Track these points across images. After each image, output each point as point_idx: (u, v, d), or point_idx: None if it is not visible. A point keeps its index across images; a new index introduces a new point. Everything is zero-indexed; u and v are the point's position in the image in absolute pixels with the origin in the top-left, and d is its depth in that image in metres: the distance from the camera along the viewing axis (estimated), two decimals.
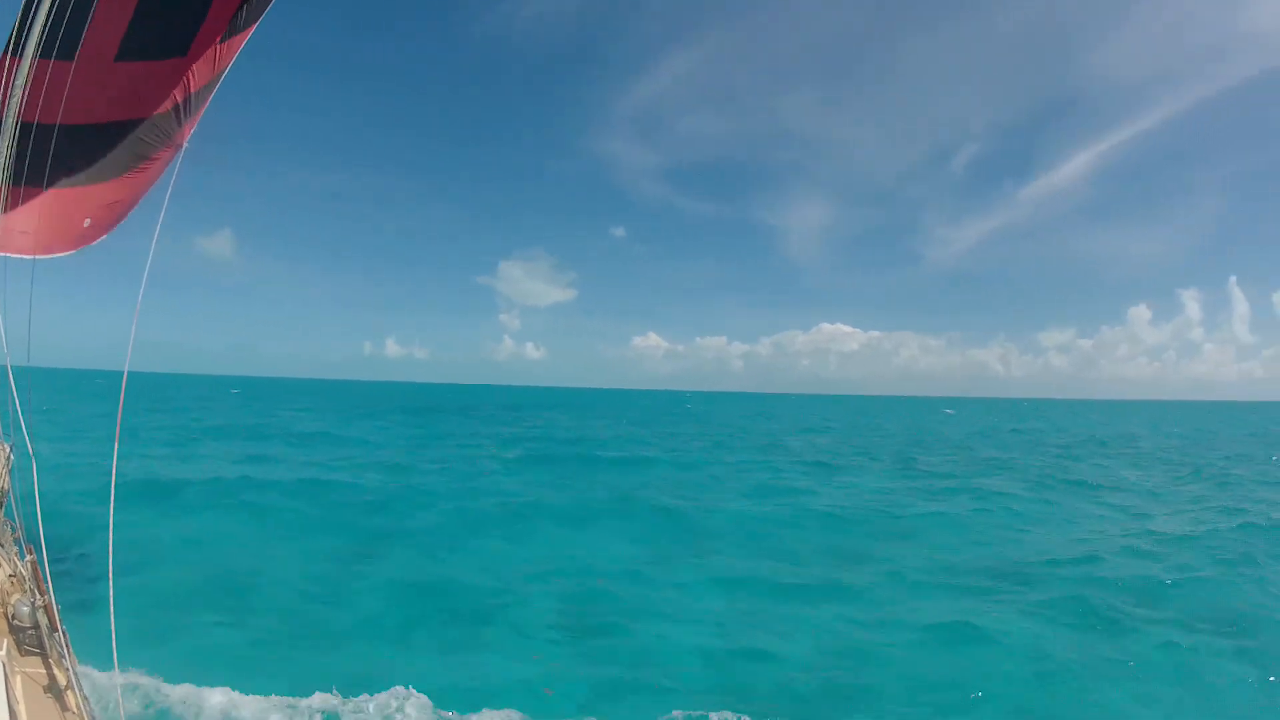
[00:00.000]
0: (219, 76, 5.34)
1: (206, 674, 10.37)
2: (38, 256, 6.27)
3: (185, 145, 5.60)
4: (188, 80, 5.26)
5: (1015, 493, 31.47)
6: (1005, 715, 10.32)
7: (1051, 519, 25.57)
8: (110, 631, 4.81)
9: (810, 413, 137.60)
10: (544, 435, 59.27)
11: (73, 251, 6.46)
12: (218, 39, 5.11)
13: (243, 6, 5.00)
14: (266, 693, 9.92)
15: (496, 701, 10.09)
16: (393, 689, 10.09)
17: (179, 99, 5.34)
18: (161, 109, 5.38)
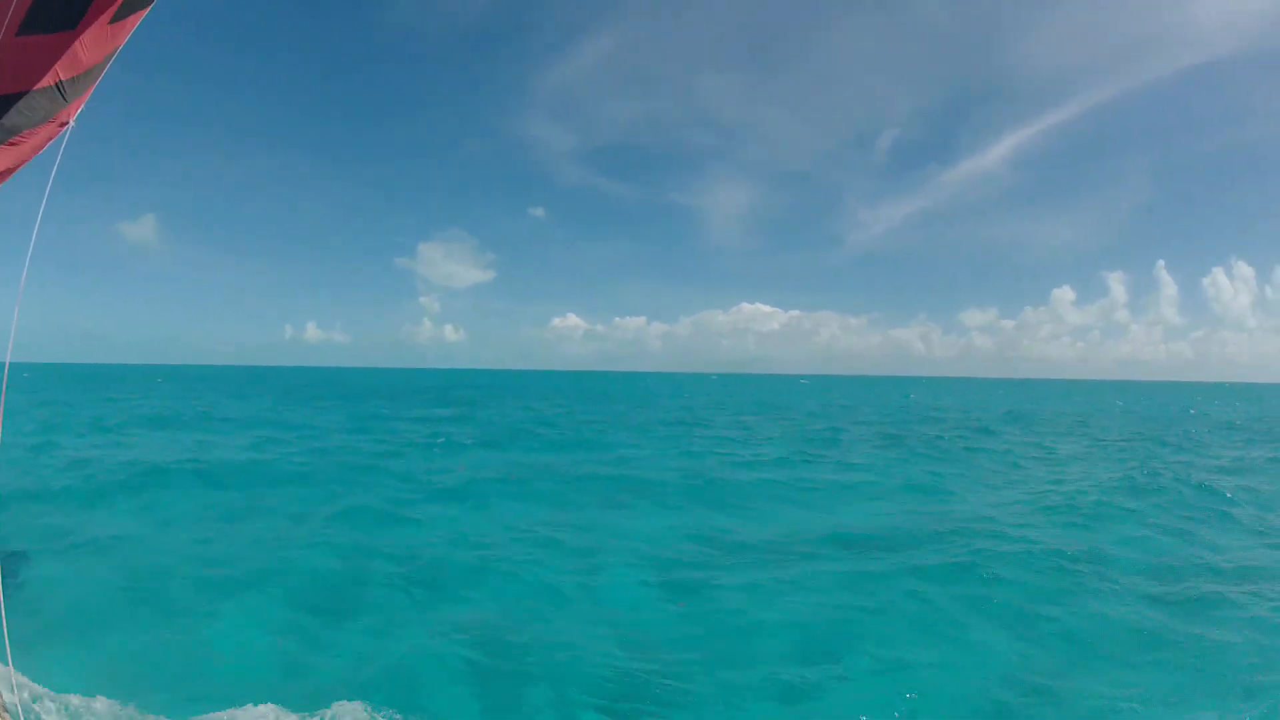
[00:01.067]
0: (109, 58, 5.12)
1: (134, 681, 9.64)
2: None
3: (72, 124, 5.35)
4: (75, 57, 5.03)
5: (934, 463, 33.23)
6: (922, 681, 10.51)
7: (972, 489, 26.71)
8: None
9: (733, 391, 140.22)
10: (475, 418, 59.04)
11: None
12: (108, 19, 4.91)
13: None
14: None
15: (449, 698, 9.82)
16: (336, 704, 9.40)
17: (62, 75, 5.10)
18: (43, 84, 5.13)
